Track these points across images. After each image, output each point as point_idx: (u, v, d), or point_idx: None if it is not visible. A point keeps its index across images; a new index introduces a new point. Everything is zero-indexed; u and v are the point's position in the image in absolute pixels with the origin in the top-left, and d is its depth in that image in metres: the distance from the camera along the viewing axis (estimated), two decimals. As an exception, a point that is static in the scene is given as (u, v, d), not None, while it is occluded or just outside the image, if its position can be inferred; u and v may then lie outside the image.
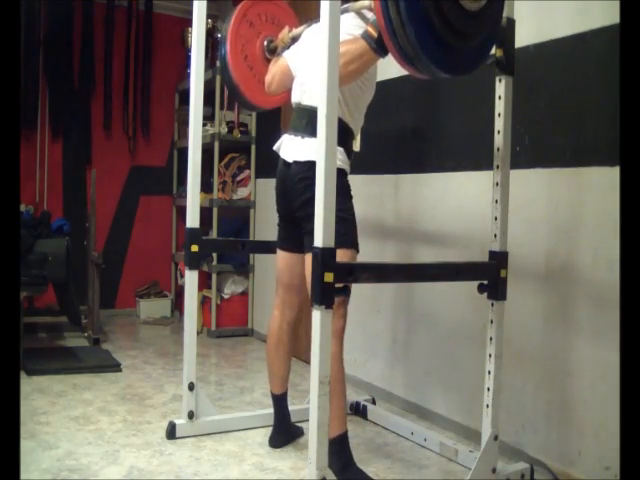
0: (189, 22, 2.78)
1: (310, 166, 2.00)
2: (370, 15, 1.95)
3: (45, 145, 4.71)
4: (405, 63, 1.69)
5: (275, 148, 2.29)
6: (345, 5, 2.07)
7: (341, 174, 2.04)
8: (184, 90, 4.66)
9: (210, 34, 4.33)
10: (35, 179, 4.66)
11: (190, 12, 2.56)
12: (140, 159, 5.10)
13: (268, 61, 2.56)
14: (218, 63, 2.74)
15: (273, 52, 2.56)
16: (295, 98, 2.27)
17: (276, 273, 2.43)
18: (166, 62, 5.11)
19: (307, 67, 2.20)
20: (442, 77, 1.78)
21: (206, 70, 2.72)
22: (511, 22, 2.01)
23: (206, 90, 2.57)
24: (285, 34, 2.47)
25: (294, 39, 2.40)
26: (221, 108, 4.42)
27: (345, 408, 2.11)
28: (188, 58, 4.25)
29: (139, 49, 5.02)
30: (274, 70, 2.40)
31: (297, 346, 2.51)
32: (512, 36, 2.03)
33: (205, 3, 2.53)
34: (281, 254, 2.38)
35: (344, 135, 2.03)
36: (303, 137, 2.15)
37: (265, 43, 2.62)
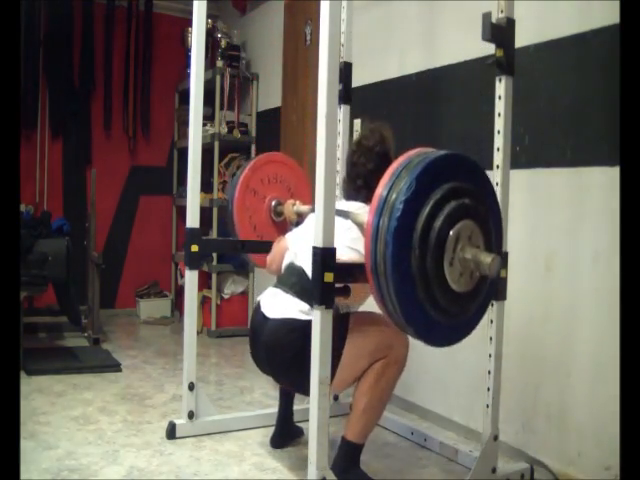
0: (189, 22, 2.78)
1: (290, 325, 2.01)
2: None
3: (45, 145, 4.71)
4: (394, 323, 1.68)
5: (258, 299, 2.21)
6: (346, 208, 2.08)
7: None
8: (184, 90, 4.66)
9: (210, 34, 4.34)
10: (35, 179, 4.67)
11: (190, 12, 2.56)
12: (140, 159, 5.10)
13: (274, 222, 2.62)
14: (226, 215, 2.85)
15: (280, 215, 2.62)
16: (287, 261, 2.21)
17: None
18: (166, 62, 5.11)
19: (303, 242, 2.16)
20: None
21: (206, 70, 2.72)
22: (511, 22, 2.00)
23: (206, 90, 2.57)
24: (290, 210, 2.53)
25: (299, 215, 2.46)
26: (221, 108, 4.42)
27: (374, 427, 2.11)
28: (188, 58, 4.25)
29: (139, 49, 5.02)
30: (275, 252, 2.35)
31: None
32: (512, 36, 2.02)
33: (205, 3, 2.53)
34: None
35: None
36: (286, 293, 2.09)
37: (273, 205, 2.68)
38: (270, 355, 2.10)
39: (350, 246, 1.98)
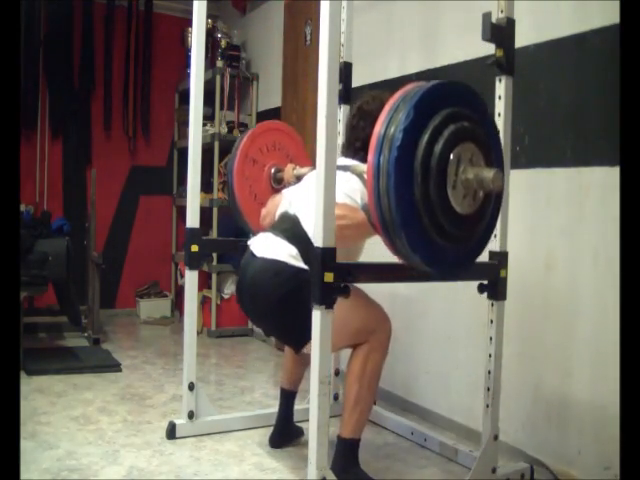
0: (189, 22, 2.78)
1: (279, 265, 1.99)
2: None
3: (45, 145, 4.71)
4: (398, 256, 1.67)
5: (248, 242, 2.20)
6: (346, 163, 2.07)
7: (302, 270, 1.94)
8: (184, 90, 4.66)
9: (210, 34, 4.34)
10: (35, 179, 4.67)
11: (190, 12, 2.56)
12: (140, 159, 5.10)
13: (274, 190, 2.58)
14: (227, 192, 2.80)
15: (280, 182, 2.58)
16: (281, 209, 2.20)
17: None
18: (166, 62, 5.11)
19: (299, 195, 2.17)
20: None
21: (206, 70, 2.72)
22: (511, 22, 2.00)
23: (206, 90, 2.57)
24: (290, 174, 2.50)
25: (298, 178, 2.42)
26: (221, 108, 4.42)
27: (367, 418, 2.11)
28: (188, 58, 4.25)
29: (139, 49, 5.02)
30: (270, 205, 2.34)
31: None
32: (512, 36, 2.02)
33: (205, 3, 2.53)
34: None
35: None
36: (277, 236, 2.07)
37: (272, 171, 2.65)
38: (253, 297, 2.07)
39: (348, 194, 1.97)
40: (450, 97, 1.63)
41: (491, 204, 1.72)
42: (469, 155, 1.61)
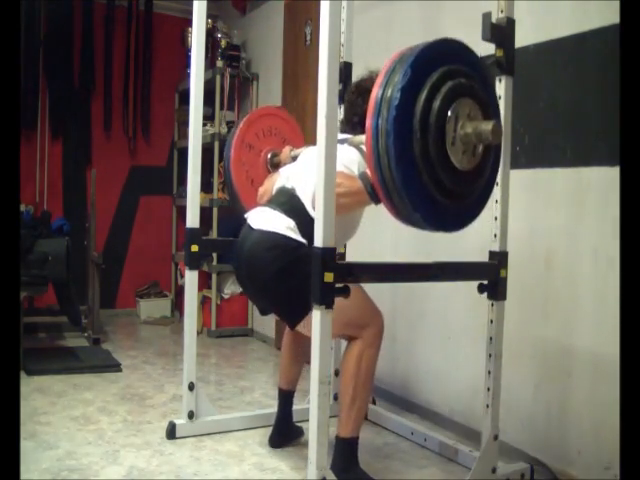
0: (189, 22, 2.79)
1: (276, 237, 1.99)
2: None
3: (45, 145, 4.71)
4: (398, 217, 1.67)
5: (245, 215, 2.21)
6: (344, 137, 2.07)
7: (299, 245, 1.95)
8: (184, 90, 4.66)
9: (210, 34, 4.34)
10: (35, 179, 4.67)
11: (190, 12, 2.56)
12: (140, 159, 5.10)
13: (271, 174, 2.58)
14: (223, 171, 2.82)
15: (276, 166, 2.57)
16: (278, 184, 2.21)
17: None
18: (166, 62, 5.11)
19: (296, 170, 2.18)
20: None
21: (206, 70, 2.72)
22: (511, 22, 2.00)
23: (206, 90, 2.57)
24: (287, 154, 2.49)
25: (294, 159, 2.41)
26: (221, 108, 4.42)
27: (363, 416, 2.11)
28: (188, 58, 4.25)
29: (139, 49, 5.02)
30: (267, 184, 2.35)
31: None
32: (512, 36, 2.02)
33: (205, 3, 2.53)
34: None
35: (309, 229, 1.78)
36: (274, 210, 2.08)
37: (269, 157, 2.65)
38: (251, 269, 2.06)
39: (345, 164, 1.97)
40: (446, 55, 1.63)
41: (490, 159, 1.72)
42: (467, 111, 1.62)
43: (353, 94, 2.23)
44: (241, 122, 2.66)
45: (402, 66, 1.55)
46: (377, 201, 1.80)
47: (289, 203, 2.06)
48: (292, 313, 2.00)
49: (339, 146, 1.88)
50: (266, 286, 2.04)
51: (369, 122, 1.57)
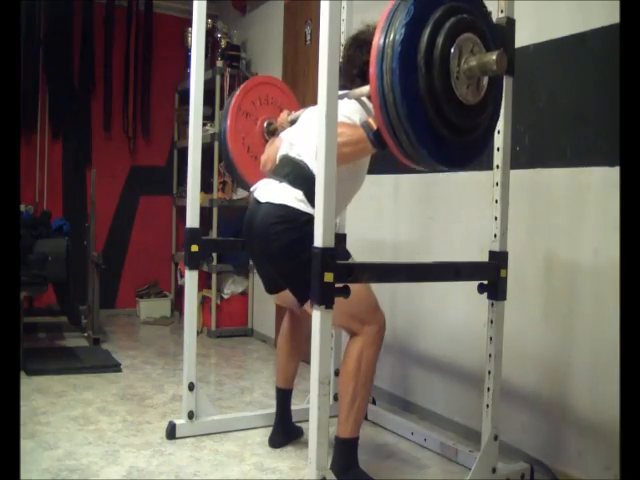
0: (189, 22, 2.79)
1: (285, 210, 1.99)
2: (370, 105, 1.89)
3: (45, 145, 4.71)
4: (404, 158, 1.68)
5: (251, 189, 2.21)
6: (345, 91, 2.06)
7: (309, 219, 1.88)
8: (184, 90, 4.66)
9: (210, 34, 4.34)
10: (35, 179, 4.67)
11: (190, 12, 2.56)
12: (140, 159, 5.10)
13: (267, 142, 2.56)
14: (219, 138, 2.83)
15: (273, 134, 2.57)
16: (281, 152, 2.20)
17: None
18: (166, 62, 5.11)
19: (298, 134, 2.17)
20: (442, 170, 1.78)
21: (206, 70, 2.72)
22: (511, 22, 2.00)
23: (206, 90, 2.57)
24: (284, 118, 2.48)
25: (293, 122, 2.40)
26: (221, 108, 4.41)
27: (363, 416, 2.10)
28: (188, 58, 4.25)
29: (139, 49, 5.02)
30: (269, 151, 2.34)
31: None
32: (512, 36, 2.02)
33: (205, 3, 2.53)
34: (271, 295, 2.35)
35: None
36: (280, 182, 2.07)
37: (265, 125, 2.65)
38: (263, 243, 2.06)
39: (346, 115, 1.96)
40: None
41: (494, 93, 1.74)
42: (470, 46, 1.64)
43: (351, 47, 2.20)
44: (238, 90, 2.66)
45: (405, 4, 1.57)
46: (380, 147, 1.80)
47: (293, 172, 2.04)
48: (303, 288, 1.96)
49: (340, 101, 1.88)
50: (277, 260, 2.03)
51: (373, 62, 1.58)
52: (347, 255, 2.12)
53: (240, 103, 2.62)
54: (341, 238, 2.67)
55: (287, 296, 2.17)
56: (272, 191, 2.07)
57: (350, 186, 2.15)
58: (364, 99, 2.01)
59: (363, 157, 2.05)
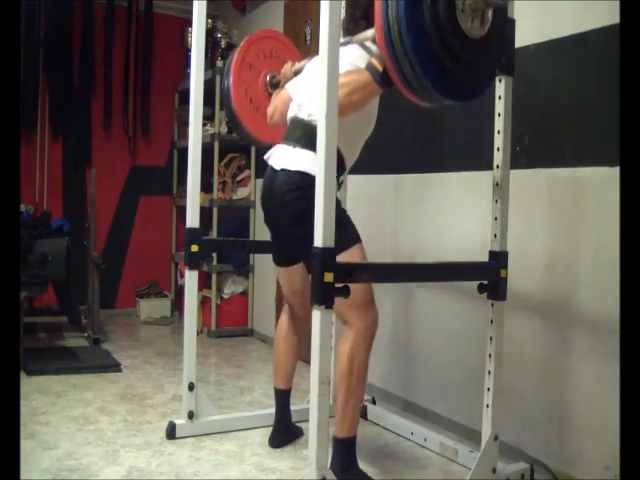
0: (189, 22, 2.79)
1: (300, 176, 2.00)
2: (374, 48, 1.92)
3: (45, 145, 4.71)
4: (410, 93, 1.69)
5: (265, 157, 2.23)
6: (348, 38, 2.07)
7: None
8: (184, 90, 4.65)
9: (210, 34, 4.33)
10: (35, 179, 4.66)
11: (190, 12, 2.56)
12: (140, 159, 5.10)
13: (270, 95, 2.56)
14: (225, 114, 2.83)
15: (276, 86, 2.56)
16: (291, 113, 2.21)
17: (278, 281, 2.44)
18: (166, 62, 5.11)
19: (306, 91, 2.17)
20: (448, 104, 1.79)
21: (206, 70, 2.72)
22: (511, 22, 2.00)
23: (206, 90, 2.57)
24: (288, 69, 2.47)
25: (296, 73, 2.40)
26: (221, 108, 4.41)
27: (359, 414, 2.10)
28: (188, 58, 4.24)
29: (139, 49, 5.02)
30: (275, 102, 2.37)
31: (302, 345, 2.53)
32: (512, 36, 2.02)
33: (205, 3, 2.53)
34: (277, 268, 2.37)
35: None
36: (294, 147, 2.10)
37: (267, 79, 2.64)
38: (281, 211, 2.09)
39: (352, 62, 1.96)
40: None
41: (498, 28, 1.76)
42: None
43: None
44: (243, 41, 2.66)
45: None
46: (387, 85, 1.82)
47: (304, 136, 2.04)
48: None
49: (343, 48, 1.89)
50: (292, 227, 2.04)
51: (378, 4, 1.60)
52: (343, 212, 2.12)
53: (244, 54, 2.62)
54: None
55: (296, 275, 2.20)
56: (286, 157, 2.10)
57: (363, 129, 2.17)
58: (368, 43, 2.01)
59: (372, 100, 2.04)
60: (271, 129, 2.50)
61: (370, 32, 1.89)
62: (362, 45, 2.03)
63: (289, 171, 2.06)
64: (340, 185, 2.18)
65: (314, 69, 2.16)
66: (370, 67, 1.85)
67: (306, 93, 2.15)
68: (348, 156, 2.14)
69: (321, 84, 1.64)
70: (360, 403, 2.09)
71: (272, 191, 2.13)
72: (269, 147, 2.27)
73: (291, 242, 2.14)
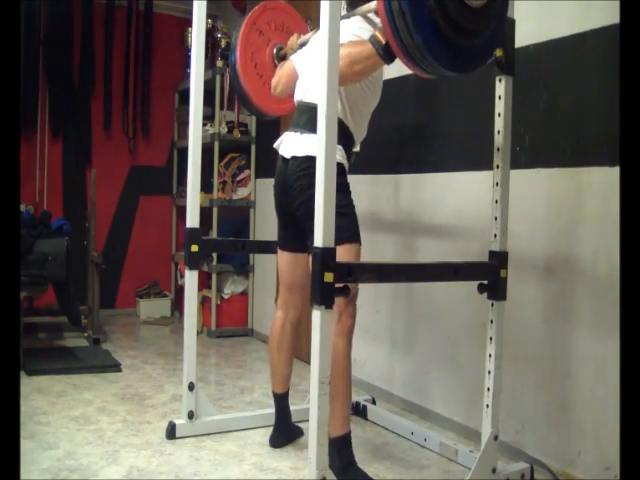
0: (189, 22, 2.78)
1: (309, 162, 2.01)
2: (378, 20, 1.94)
3: (45, 145, 4.71)
4: (412, 65, 1.71)
5: (275, 145, 2.28)
6: (351, 12, 2.08)
7: (340, 170, 1.96)
8: (184, 90, 4.66)
9: (210, 34, 4.33)
10: (35, 179, 4.66)
11: (190, 12, 2.56)
12: (140, 159, 5.10)
13: (275, 66, 2.57)
14: (228, 71, 2.82)
15: (282, 59, 2.57)
16: (298, 96, 2.27)
17: (278, 273, 2.43)
18: (166, 62, 5.11)
19: (312, 68, 2.18)
20: (448, 75, 1.79)
21: (206, 70, 2.72)
22: (511, 22, 2.00)
23: (206, 90, 2.57)
24: (294, 41, 2.48)
25: (302, 45, 2.41)
26: (221, 108, 4.42)
27: (349, 408, 2.10)
28: (188, 58, 4.25)
29: (139, 49, 5.02)
30: (280, 73, 2.41)
31: (297, 346, 2.52)
32: (512, 36, 2.02)
33: (205, 3, 2.53)
34: (282, 254, 2.38)
35: (343, 136, 1.99)
36: (302, 133, 2.14)
37: (275, 51, 2.64)
38: (290, 200, 2.14)
39: (354, 33, 1.98)
40: None
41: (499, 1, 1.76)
42: None
43: None
44: (256, 6, 2.65)
45: None
46: (389, 58, 1.83)
47: (312, 120, 2.01)
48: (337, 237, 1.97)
49: (345, 21, 1.91)
50: (304, 211, 2.05)
51: None
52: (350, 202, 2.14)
53: (256, 18, 2.61)
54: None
55: (299, 266, 2.25)
56: (294, 144, 2.14)
57: (368, 99, 2.18)
58: (371, 15, 2.03)
59: (374, 72, 2.06)
60: (272, 98, 2.54)
61: (373, 4, 1.90)
62: (365, 17, 2.06)
63: (298, 157, 2.12)
64: (351, 159, 2.20)
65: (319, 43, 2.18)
66: (373, 40, 1.86)
67: (312, 72, 2.16)
68: (355, 129, 2.16)
69: (321, 79, 1.64)
70: (349, 399, 2.08)
71: (284, 180, 2.19)
72: (267, 117, 2.42)
73: (301, 228, 2.15)
